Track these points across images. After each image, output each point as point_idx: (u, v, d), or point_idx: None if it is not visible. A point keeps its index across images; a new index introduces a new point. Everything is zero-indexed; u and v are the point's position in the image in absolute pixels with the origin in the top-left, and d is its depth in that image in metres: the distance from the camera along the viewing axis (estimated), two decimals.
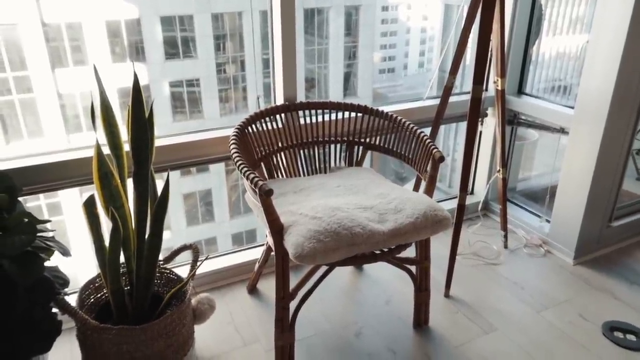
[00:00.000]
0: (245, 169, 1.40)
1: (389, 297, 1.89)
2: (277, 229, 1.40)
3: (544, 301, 1.88)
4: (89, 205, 1.25)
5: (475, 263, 2.11)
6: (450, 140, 2.86)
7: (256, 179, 1.34)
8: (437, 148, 1.58)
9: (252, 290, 1.92)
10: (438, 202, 2.40)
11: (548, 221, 2.26)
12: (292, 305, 1.47)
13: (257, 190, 1.33)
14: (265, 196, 1.33)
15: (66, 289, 1.35)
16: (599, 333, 1.72)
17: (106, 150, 1.33)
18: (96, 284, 1.51)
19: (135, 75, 1.27)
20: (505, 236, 2.22)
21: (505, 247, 2.22)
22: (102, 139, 1.35)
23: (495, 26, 1.83)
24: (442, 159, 1.55)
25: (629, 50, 1.78)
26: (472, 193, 2.57)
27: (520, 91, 2.34)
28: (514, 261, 2.13)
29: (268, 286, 1.94)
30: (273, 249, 1.46)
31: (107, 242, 1.30)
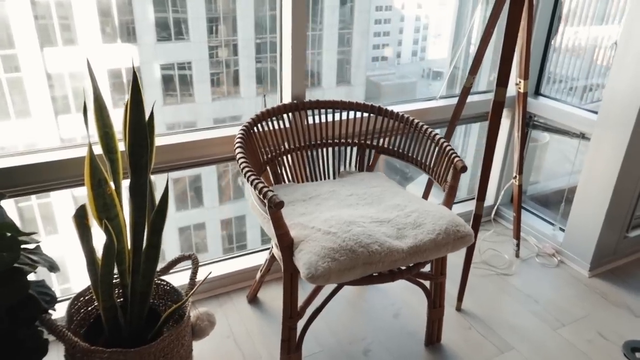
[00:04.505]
0: (253, 177, 1.27)
1: (397, 310, 1.79)
2: (287, 244, 1.28)
3: (560, 317, 1.79)
4: (80, 217, 1.11)
5: (486, 273, 2.01)
6: (460, 138, 2.75)
7: (265, 189, 1.22)
8: (458, 157, 1.47)
9: (253, 300, 1.80)
10: None
11: (562, 229, 2.16)
12: (299, 323, 1.36)
13: (266, 202, 1.21)
14: (276, 209, 1.21)
15: (53, 307, 1.23)
16: (619, 354, 1.64)
17: (97, 149, 1.20)
18: (86, 297, 1.39)
19: (134, 73, 1.13)
20: (518, 245, 2.12)
21: (517, 256, 2.12)
22: (94, 135, 1.22)
23: (522, 24, 1.70)
24: (464, 168, 1.44)
25: None
26: None
27: (538, 92, 2.22)
28: (526, 271, 2.03)
29: (270, 296, 1.82)
30: (281, 264, 1.34)
31: (99, 255, 1.17)
